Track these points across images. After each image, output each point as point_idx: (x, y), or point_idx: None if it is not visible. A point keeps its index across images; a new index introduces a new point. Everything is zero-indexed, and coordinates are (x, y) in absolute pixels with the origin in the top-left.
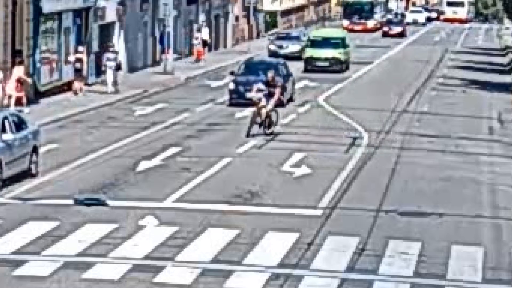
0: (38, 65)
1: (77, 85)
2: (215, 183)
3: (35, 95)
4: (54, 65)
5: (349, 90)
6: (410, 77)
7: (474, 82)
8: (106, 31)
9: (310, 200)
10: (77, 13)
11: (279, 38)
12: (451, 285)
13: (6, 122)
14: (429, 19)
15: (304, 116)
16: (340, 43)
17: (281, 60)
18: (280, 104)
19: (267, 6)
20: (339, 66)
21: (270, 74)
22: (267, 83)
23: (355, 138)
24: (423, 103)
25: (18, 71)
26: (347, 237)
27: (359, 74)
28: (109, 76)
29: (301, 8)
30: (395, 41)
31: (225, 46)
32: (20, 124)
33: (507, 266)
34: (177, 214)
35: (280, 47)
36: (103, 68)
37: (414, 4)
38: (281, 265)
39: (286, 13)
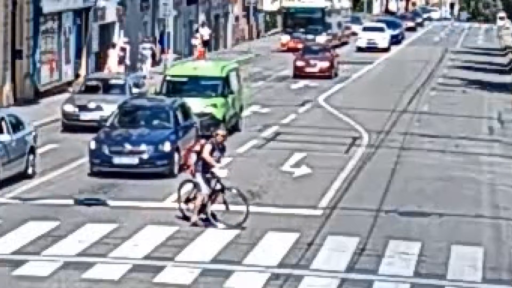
0: (38, 65)
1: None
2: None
3: (35, 95)
4: (54, 65)
5: (349, 90)
6: (410, 77)
7: (474, 82)
8: (106, 31)
9: (310, 200)
10: (77, 13)
11: (86, 90)
12: (451, 285)
13: (3, 123)
14: (401, 37)
15: (304, 116)
16: (218, 88)
17: (177, 101)
18: (183, 167)
19: (267, 6)
20: (212, 128)
21: None
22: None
23: (355, 138)
24: (423, 103)
25: (114, 52)
26: (347, 237)
27: (359, 74)
28: (148, 64)
29: None
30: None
31: (225, 46)
32: (17, 125)
33: (507, 266)
34: (177, 214)
35: (84, 108)
36: (139, 57)
37: (414, 5)
38: (281, 265)
39: None
